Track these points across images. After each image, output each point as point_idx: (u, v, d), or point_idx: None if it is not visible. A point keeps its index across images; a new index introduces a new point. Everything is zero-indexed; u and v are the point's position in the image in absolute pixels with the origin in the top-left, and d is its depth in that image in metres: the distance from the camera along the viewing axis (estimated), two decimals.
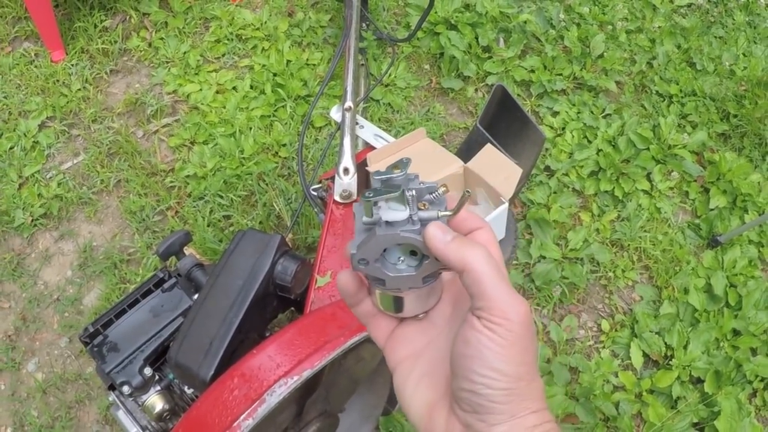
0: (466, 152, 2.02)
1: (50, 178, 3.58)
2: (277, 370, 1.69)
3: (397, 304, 0.89)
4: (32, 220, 3.45)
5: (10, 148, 3.66)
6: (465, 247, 0.80)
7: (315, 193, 2.31)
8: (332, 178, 2.17)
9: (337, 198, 2.13)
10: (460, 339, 0.81)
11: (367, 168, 1.99)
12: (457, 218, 0.85)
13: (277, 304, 2.05)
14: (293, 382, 1.66)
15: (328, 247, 2.09)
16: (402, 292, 0.87)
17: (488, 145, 1.94)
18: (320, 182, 2.31)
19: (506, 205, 1.78)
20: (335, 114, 2.34)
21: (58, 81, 3.91)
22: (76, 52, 4.00)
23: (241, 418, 1.65)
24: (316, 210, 2.30)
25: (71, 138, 3.75)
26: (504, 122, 2.29)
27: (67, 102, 3.82)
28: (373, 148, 2.24)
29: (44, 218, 3.47)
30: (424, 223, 0.82)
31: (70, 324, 3.20)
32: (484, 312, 0.79)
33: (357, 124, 2.30)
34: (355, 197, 2.11)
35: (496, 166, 1.86)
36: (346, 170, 2.09)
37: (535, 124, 2.27)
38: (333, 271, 2.07)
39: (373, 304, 0.93)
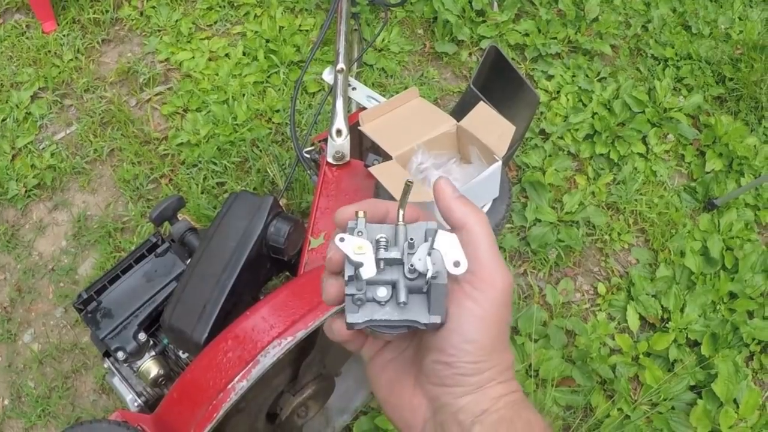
0: (459, 114, 2.00)
1: (43, 148, 3.57)
2: (271, 332, 1.69)
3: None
4: (26, 191, 3.43)
5: (3, 120, 3.65)
6: (469, 207, 0.82)
7: (308, 156, 2.30)
8: (325, 140, 2.16)
9: (330, 159, 2.12)
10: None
11: (359, 127, 1.97)
12: (445, 210, 0.84)
13: (270, 266, 2.05)
14: (287, 343, 1.66)
15: (321, 208, 2.08)
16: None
17: (481, 103, 1.93)
18: (313, 144, 2.30)
19: (500, 163, 1.77)
20: (327, 76, 2.33)
21: (49, 52, 3.88)
22: (67, 23, 3.97)
23: (236, 379, 1.65)
24: (309, 172, 2.29)
25: (64, 108, 3.74)
26: (497, 83, 2.28)
27: (59, 72, 3.80)
28: (364, 109, 2.23)
29: (38, 189, 3.46)
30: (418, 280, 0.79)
31: (65, 294, 3.20)
32: (475, 277, 0.79)
33: (349, 85, 2.29)
34: (347, 158, 2.10)
35: (489, 124, 1.84)
36: (338, 132, 2.08)
37: (529, 84, 2.25)
38: (326, 233, 2.06)
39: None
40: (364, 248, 0.77)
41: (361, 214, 0.80)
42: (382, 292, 0.79)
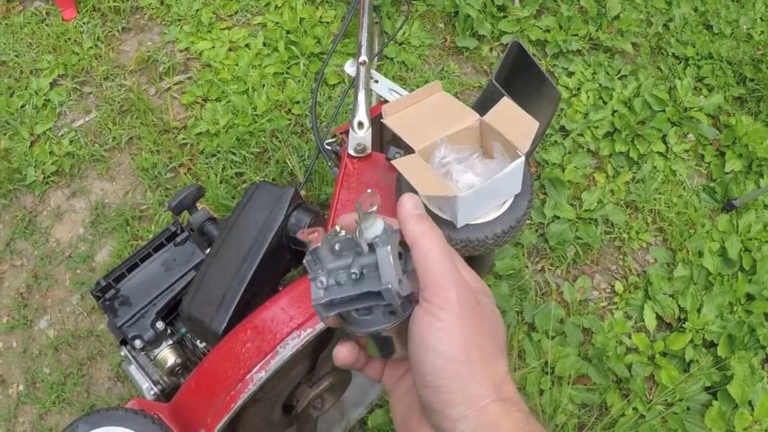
0: (481, 109, 1.99)
1: (62, 135, 3.58)
2: (290, 323, 1.69)
3: (384, 347, 0.88)
4: (44, 178, 3.44)
5: (22, 107, 3.66)
6: (422, 225, 0.82)
7: (329, 148, 2.29)
8: (346, 132, 2.15)
9: (351, 152, 2.11)
10: (411, 337, 0.81)
11: (382, 120, 1.96)
12: (401, 227, 0.84)
13: (290, 257, 2.04)
14: (306, 334, 1.65)
15: (342, 200, 2.07)
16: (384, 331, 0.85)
17: (505, 98, 1.92)
18: (334, 136, 2.29)
19: (522, 158, 1.76)
20: (349, 68, 2.32)
21: (69, 39, 3.89)
22: (87, 11, 3.98)
23: (254, 370, 1.65)
24: (330, 164, 2.28)
25: (83, 96, 3.74)
26: (519, 79, 2.26)
27: (79, 60, 3.81)
28: (386, 102, 2.22)
29: (56, 176, 3.46)
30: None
31: (81, 281, 3.20)
32: (428, 293, 0.78)
33: (371, 78, 2.28)
34: (369, 151, 2.09)
35: (512, 119, 1.83)
36: (360, 124, 2.07)
37: (551, 80, 2.25)
38: None
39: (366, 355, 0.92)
40: (319, 233, 0.84)
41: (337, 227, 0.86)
42: (342, 276, 0.82)
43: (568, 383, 2.87)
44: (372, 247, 0.80)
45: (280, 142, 3.44)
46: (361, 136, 2.05)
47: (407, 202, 0.83)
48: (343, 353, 0.90)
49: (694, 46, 4.03)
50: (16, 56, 3.84)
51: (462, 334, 0.77)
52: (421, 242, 0.80)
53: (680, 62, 4.01)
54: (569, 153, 3.54)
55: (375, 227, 0.80)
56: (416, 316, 0.79)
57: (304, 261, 0.85)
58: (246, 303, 1.85)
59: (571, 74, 3.86)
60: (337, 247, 0.83)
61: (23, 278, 3.24)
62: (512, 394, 0.80)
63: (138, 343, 2.03)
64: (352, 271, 0.81)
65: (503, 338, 0.84)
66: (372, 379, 0.93)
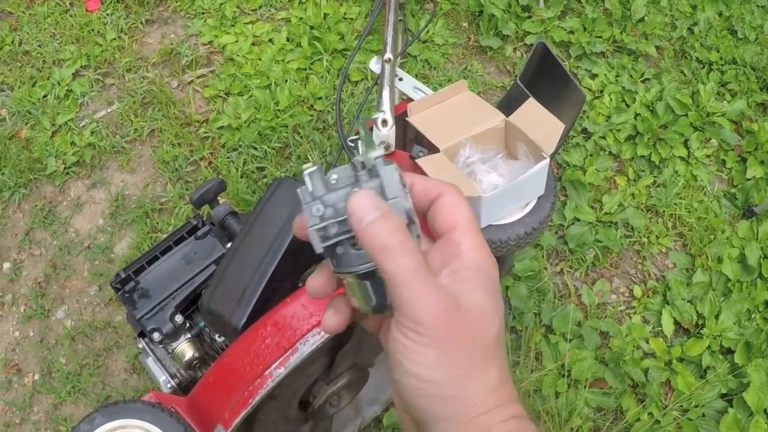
0: (505, 109, 1.99)
1: (83, 126, 3.59)
2: (311, 320, 1.68)
3: (378, 294, 0.77)
4: (64, 168, 3.45)
5: (44, 96, 3.67)
6: (382, 235, 0.70)
7: (352, 145, 2.29)
8: (370, 129, 2.15)
9: None
10: (386, 350, 0.76)
11: (407, 118, 1.96)
12: (416, 189, 0.77)
13: (311, 254, 2.03)
14: None
15: None
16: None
17: (531, 99, 1.91)
18: (357, 133, 2.29)
19: (547, 160, 1.75)
20: (374, 66, 2.31)
21: (92, 30, 3.90)
22: (111, 2, 4.00)
23: (273, 366, 1.65)
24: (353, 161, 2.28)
25: (105, 87, 3.75)
26: (544, 80, 2.26)
27: (102, 51, 3.82)
28: (411, 100, 2.22)
29: (77, 166, 3.47)
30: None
31: (100, 272, 3.21)
32: (399, 315, 0.71)
33: (396, 76, 2.27)
34: (392, 149, 2.08)
35: (537, 120, 1.83)
36: (384, 122, 2.06)
37: (576, 82, 2.24)
38: None
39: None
40: (313, 164, 0.75)
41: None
42: (340, 204, 0.73)
43: (585, 386, 2.87)
44: (374, 171, 0.73)
45: (301, 137, 3.44)
46: (385, 133, 2.04)
47: (357, 203, 0.70)
48: (316, 283, 0.80)
49: (718, 51, 4.01)
50: (39, 46, 3.85)
51: (441, 355, 0.70)
52: (382, 263, 0.70)
53: (704, 67, 3.99)
54: (591, 155, 3.53)
55: (378, 150, 0.73)
56: (391, 332, 0.72)
57: (297, 190, 0.75)
58: (266, 299, 1.85)
59: (594, 76, 3.85)
60: (333, 179, 0.75)
61: (41, 268, 3.25)
62: (505, 399, 0.74)
63: (156, 335, 2.03)
64: (354, 190, 0.72)
65: (493, 337, 0.75)
66: (372, 331, 0.84)
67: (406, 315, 0.70)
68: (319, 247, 0.74)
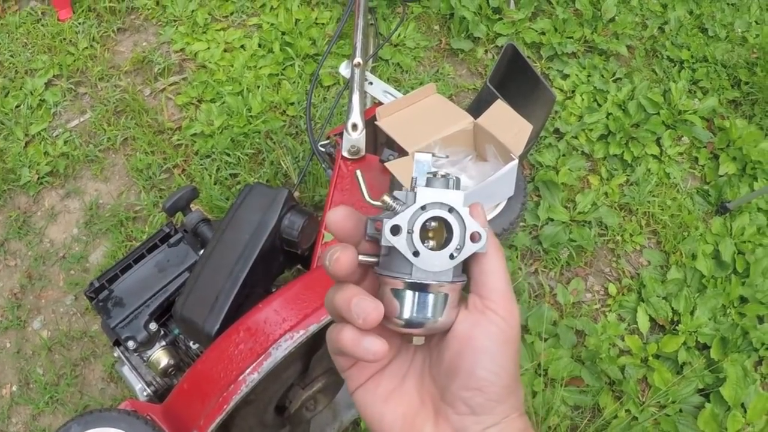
0: (476, 111, 2.00)
1: (57, 136, 3.58)
2: (283, 325, 1.69)
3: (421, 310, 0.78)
4: (38, 178, 3.44)
5: (17, 107, 3.66)
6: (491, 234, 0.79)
7: (323, 149, 2.29)
8: (340, 134, 2.16)
9: (345, 154, 2.12)
10: (463, 337, 0.78)
11: (376, 122, 1.97)
12: None
13: (283, 259, 2.05)
14: (299, 336, 1.66)
15: (335, 202, 2.07)
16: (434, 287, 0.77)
17: (498, 101, 1.92)
18: (328, 138, 2.30)
19: (516, 161, 1.76)
20: (344, 70, 2.33)
21: (64, 39, 3.90)
22: (83, 11, 3.99)
23: (247, 371, 1.65)
24: (324, 166, 2.29)
25: (78, 96, 3.74)
26: (514, 81, 2.27)
27: (74, 60, 3.82)
28: (380, 104, 2.22)
29: (50, 176, 3.46)
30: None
31: (75, 282, 3.20)
32: (492, 303, 0.78)
33: (366, 80, 2.28)
34: (363, 153, 2.09)
35: (506, 122, 1.84)
36: (354, 126, 2.07)
37: (545, 83, 2.25)
38: None
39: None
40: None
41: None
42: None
43: (561, 385, 2.88)
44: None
45: (274, 143, 3.44)
46: (355, 138, 2.06)
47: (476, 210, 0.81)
48: (338, 214, 0.80)
49: (689, 49, 4.04)
50: (11, 56, 3.84)
51: (516, 352, 0.78)
52: (492, 253, 0.79)
53: (675, 65, 4.02)
54: (563, 155, 3.54)
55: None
56: (481, 321, 0.78)
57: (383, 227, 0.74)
58: (239, 304, 1.86)
59: (565, 77, 3.87)
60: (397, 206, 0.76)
61: (17, 278, 3.24)
62: (524, 411, 0.81)
63: (131, 344, 2.04)
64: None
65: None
66: (342, 368, 0.86)
67: (504, 308, 0.78)
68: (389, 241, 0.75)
